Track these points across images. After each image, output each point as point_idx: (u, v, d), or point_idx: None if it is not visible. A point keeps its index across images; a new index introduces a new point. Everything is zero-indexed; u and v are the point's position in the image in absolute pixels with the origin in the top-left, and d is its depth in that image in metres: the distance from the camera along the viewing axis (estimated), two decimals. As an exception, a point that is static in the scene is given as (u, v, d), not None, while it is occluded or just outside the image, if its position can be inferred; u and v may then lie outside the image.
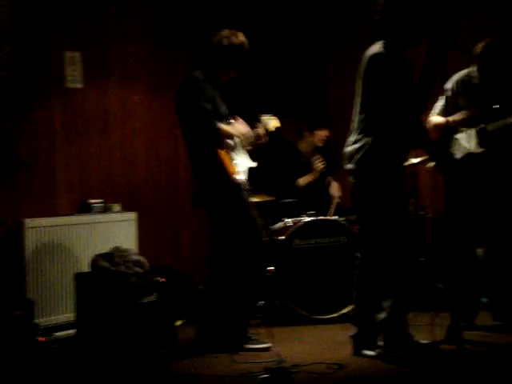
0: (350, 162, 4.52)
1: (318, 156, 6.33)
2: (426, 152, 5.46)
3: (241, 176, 4.78)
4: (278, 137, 5.42)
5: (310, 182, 6.30)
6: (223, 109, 4.86)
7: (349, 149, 4.53)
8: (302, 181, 6.30)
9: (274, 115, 5.19)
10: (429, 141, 4.87)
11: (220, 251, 4.85)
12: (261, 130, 5.01)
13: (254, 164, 4.96)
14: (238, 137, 4.86)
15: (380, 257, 4.54)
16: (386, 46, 4.39)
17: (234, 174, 4.71)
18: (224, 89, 4.95)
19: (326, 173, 6.37)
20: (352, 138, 4.53)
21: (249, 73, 5.38)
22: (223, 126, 4.73)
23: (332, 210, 6.23)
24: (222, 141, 4.73)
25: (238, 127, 4.87)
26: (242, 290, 4.81)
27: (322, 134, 6.38)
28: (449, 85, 5.01)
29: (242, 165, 4.85)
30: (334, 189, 6.38)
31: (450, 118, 4.83)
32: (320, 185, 6.37)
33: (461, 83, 5.12)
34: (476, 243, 5.21)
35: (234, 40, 4.83)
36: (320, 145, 6.41)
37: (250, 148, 4.99)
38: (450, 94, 5.02)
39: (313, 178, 6.31)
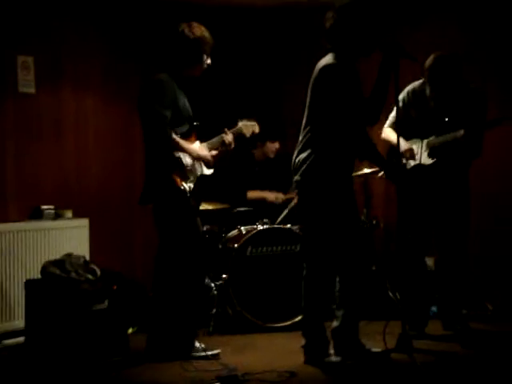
0: (295, 174, 4.55)
1: (279, 195, 6.33)
2: (376, 165, 5.51)
3: (189, 184, 4.76)
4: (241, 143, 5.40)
5: (258, 199, 6.30)
6: (188, 110, 4.82)
7: (295, 160, 4.57)
8: (251, 194, 6.30)
9: (251, 119, 5.15)
10: (377, 154, 4.91)
11: (163, 257, 4.83)
12: (228, 137, 4.95)
13: (209, 171, 4.94)
14: (192, 155, 4.79)
15: (326, 267, 4.56)
16: (336, 57, 4.43)
17: (179, 182, 4.69)
18: (192, 89, 4.90)
19: (273, 183, 6.39)
20: (297, 150, 4.56)
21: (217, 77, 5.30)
22: (180, 142, 4.68)
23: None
24: (174, 149, 4.70)
25: (195, 148, 4.80)
26: (185, 297, 4.78)
27: (272, 146, 6.42)
28: (400, 96, 5.06)
29: (193, 173, 4.82)
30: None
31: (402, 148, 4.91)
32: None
33: (412, 94, 5.18)
34: (426, 252, 5.27)
35: (195, 31, 4.75)
36: (271, 156, 6.44)
37: (213, 153, 4.93)
38: (401, 104, 5.07)
39: (262, 197, 6.32)
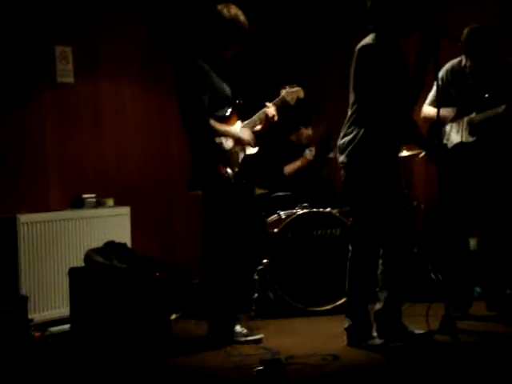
0: (341, 155, 4.53)
1: (311, 147, 6.34)
2: (418, 145, 5.45)
3: (235, 168, 4.76)
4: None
5: (298, 169, 6.29)
6: (227, 91, 4.80)
7: (340, 142, 4.55)
8: (289, 168, 6.30)
9: (297, 85, 5.10)
10: (419, 134, 4.86)
11: (211, 244, 4.85)
12: (270, 110, 4.92)
13: (253, 150, 4.91)
14: (232, 138, 4.79)
15: (372, 249, 4.55)
16: (376, 38, 4.41)
17: (223, 169, 4.69)
18: (230, 68, 4.90)
19: (315, 162, 6.36)
20: (343, 131, 4.54)
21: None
22: (216, 125, 4.68)
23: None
24: (214, 134, 4.70)
25: (234, 131, 4.79)
26: (232, 283, 4.80)
27: (305, 132, 6.39)
28: (440, 74, 5.01)
29: (237, 155, 4.81)
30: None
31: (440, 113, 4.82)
32: (312, 176, 6.37)
33: (451, 72, 5.13)
34: (469, 233, 5.22)
35: (231, 11, 4.75)
36: (304, 142, 6.40)
37: (257, 129, 4.92)
38: (440, 83, 5.02)
39: (299, 166, 6.30)
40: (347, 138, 4.49)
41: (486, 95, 4.99)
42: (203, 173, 4.73)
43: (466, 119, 5.06)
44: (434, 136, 5.03)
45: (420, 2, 4.54)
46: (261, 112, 4.92)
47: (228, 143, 4.74)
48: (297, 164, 6.33)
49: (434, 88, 4.97)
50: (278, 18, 7.13)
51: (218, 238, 4.80)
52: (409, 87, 4.40)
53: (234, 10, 4.78)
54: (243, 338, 4.75)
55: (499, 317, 5.08)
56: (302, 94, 5.12)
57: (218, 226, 4.79)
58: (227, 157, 4.73)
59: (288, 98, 5.05)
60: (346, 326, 4.61)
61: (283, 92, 5.05)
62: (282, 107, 5.03)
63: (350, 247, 4.62)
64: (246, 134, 4.84)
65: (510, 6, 6.10)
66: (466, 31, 5.02)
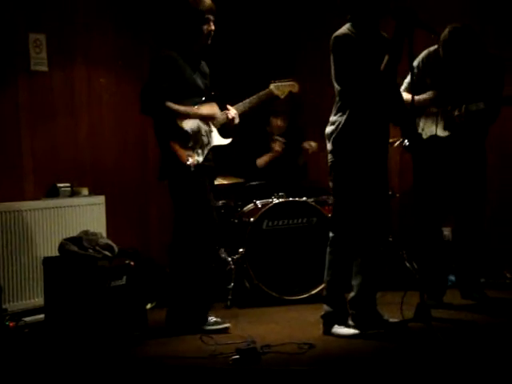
0: (328, 142, 4.58)
1: (278, 137, 6.31)
2: (402, 129, 5.41)
3: (197, 157, 4.74)
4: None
5: (269, 161, 6.27)
6: (199, 83, 4.81)
7: (327, 130, 4.60)
8: (260, 161, 6.29)
9: (290, 79, 5.11)
10: (406, 117, 4.86)
11: (177, 232, 4.84)
12: (230, 113, 4.92)
13: (225, 141, 4.92)
14: (199, 118, 4.78)
15: (352, 236, 4.57)
16: (352, 27, 4.45)
17: (184, 158, 4.67)
18: (206, 59, 4.92)
19: (289, 151, 6.35)
20: (330, 120, 4.59)
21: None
22: (174, 106, 4.67)
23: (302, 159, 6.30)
24: (176, 122, 4.69)
25: (195, 109, 4.78)
26: (198, 271, 4.80)
27: (275, 121, 6.36)
28: (415, 62, 5.04)
29: (203, 144, 4.79)
30: (308, 143, 6.36)
31: (416, 97, 4.82)
32: (287, 165, 6.36)
33: (426, 60, 5.13)
34: (442, 222, 5.26)
35: (198, 2, 4.73)
36: (275, 133, 6.38)
37: (219, 127, 4.92)
38: (416, 71, 5.05)
39: (270, 158, 6.29)
40: (332, 127, 4.54)
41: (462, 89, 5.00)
42: (166, 160, 4.74)
43: (440, 111, 5.07)
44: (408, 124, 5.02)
45: None
46: (222, 112, 4.90)
47: (189, 124, 4.73)
48: (268, 156, 6.31)
49: (409, 75, 4.99)
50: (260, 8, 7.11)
51: (181, 225, 4.82)
52: (381, 73, 4.41)
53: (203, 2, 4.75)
54: (210, 327, 4.75)
55: (474, 305, 5.13)
56: (295, 89, 5.13)
57: (183, 214, 4.80)
58: (190, 140, 4.72)
59: (277, 92, 5.05)
60: (322, 313, 4.62)
61: (271, 86, 5.05)
62: (269, 100, 5.04)
63: (331, 233, 4.63)
64: (205, 110, 4.82)
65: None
66: (445, 31, 5.01)
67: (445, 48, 5.00)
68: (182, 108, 4.72)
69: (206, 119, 4.83)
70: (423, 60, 5.14)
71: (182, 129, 4.70)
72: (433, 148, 5.10)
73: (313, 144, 6.29)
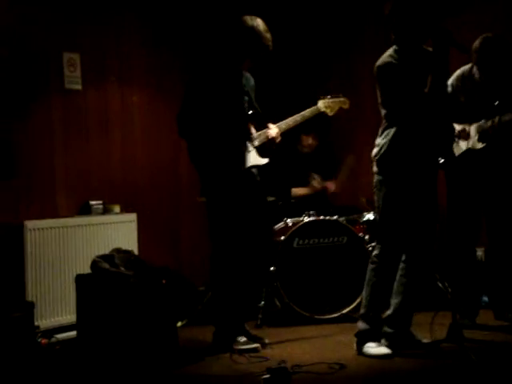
0: (374, 164, 4.61)
1: (315, 175, 6.28)
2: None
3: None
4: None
5: (304, 195, 6.25)
6: (238, 101, 4.79)
7: (373, 152, 4.63)
8: (297, 191, 6.23)
9: (340, 94, 5.08)
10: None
11: (216, 251, 4.85)
12: (271, 132, 4.88)
13: (262, 161, 4.91)
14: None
15: (396, 254, 4.56)
16: (395, 52, 4.49)
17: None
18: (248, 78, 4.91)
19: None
20: (375, 142, 4.61)
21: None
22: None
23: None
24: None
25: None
26: (238, 289, 4.81)
27: (306, 139, 6.33)
28: (450, 81, 5.04)
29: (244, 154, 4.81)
30: (329, 183, 6.31)
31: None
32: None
33: (461, 79, 5.11)
34: (476, 242, 5.20)
35: (254, 22, 4.73)
36: (305, 151, 6.36)
37: (257, 145, 4.90)
38: (450, 89, 5.05)
39: (307, 192, 6.26)
40: (377, 149, 4.58)
41: (496, 102, 4.97)
42: (206, 178, 4.75)
43: (474, 126, 5.04)
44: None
45: (434, 9, 4.55)
46: (262, 132, 4.89)
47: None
48: (305, 190, 6.24)
49: None
50: (296, 25, 7.13)
51: (221, 245, 4.81)
52: (426, 96, 4.41)
53: (259, 22, 4.75)
54: (239, 347, 4.74)
55: (507, 326, 5.06)
56: (346, 105, 5.12)
57: (221, 233, 4.81)
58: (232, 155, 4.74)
59: (326, 109, 5.04)
60: (356, 331, 4.59)
61: (320, 102, 5.05)
62: (316, 117, 5.02)
63: (375, 251, 4.62)
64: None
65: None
66: (478, 40, 5.02)
67: (478, 57, 4.98)
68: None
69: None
70: (457, 78, 5.13)
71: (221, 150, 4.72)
72: (466, 163, 5.05)
73: (332, 186, 6.27)
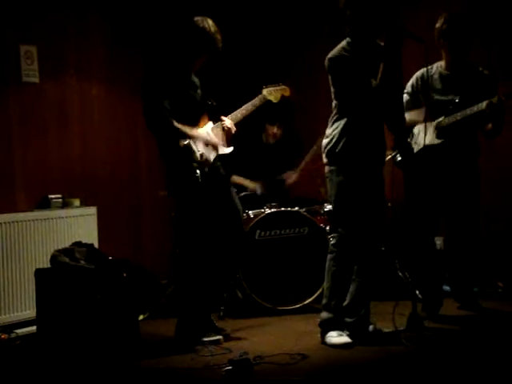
0: (323, 154, 4.65)
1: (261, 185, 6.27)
2: (395, 142, 5.41)
3: (203, 168, 4.74)
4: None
5: (240, 184, 6.22)
6: (194, 96, 4.82)
7: (323, 142, 4.67)
8: (234, 179, 6.13)
9: (281, 83, 5.15)
10: (401, 131, 4.88)
11: (180, 246, 4.84)
12: (226, 124, 4.92)
13: (227, 150, 4.93)
14: (196, 139, 4.78)
15: (354, 243, 4.59)
16: (347, 44, 4.52)
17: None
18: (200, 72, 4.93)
19: (284, 162, 6.34)
20: (326, 132, 4.66)
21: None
22: (178, 125, 4.66)
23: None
24: (181, 136, 4.69)
25: (197, 132, 4.78)
26: (205, 283, 4.80)
27: (270, 129, 6.34)
28: (410, 81, 5.12)
29: (208, 155, 4.80)
30: (287, 175, 6.33)
31: (407, 117, 4.87)
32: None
33: (421, 79, 5.12)
34: (435, 232, 5.24)
35: (206, 23, 4.77)
36: (271, 141, 6.37)
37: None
38: (410, 90, 5.12)
39: (242, 184, 6.24)
40: (327, 139, 4.62)
41: (456, 100, 5.00)
42: (173, 175, 4.73)
43: (433, 123, 5.07)
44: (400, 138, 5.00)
45: (387, 3, 4.57)
46: (218, 124, 4.92)
47: (196, 144, 4.74)
48: (242, 182, 6.22)
49: (405, 97, 5.05)
50: (253, 19, 7.13)
51: (186, 240, 4.80)
52: (376, 88, 4.44)
53: (209, 23, 4.80)
54: (204, 339, 4.74)
55: (469, 315, 5.11)
56: (287, 92, 5.20)
57: (188, 228, 4.79)
58: (197, 157, 4.72)
59: (270, 97, 5.10)
60: (319, 321, 4.62)
61: (264, 91, 5.10)
62: (262, 105, 5.06)
63: (333, 240, 4.65)
64: (213, 136, 4.84)
65: (474, 5, 6.14)
66: (441, 20, 5.02)
67: (444, 33, 4.99)
68: (189, 131, 4.71)
69: (211, 144, 4.84)
70: (417, 78, 5.14)
71: (190, 147, 4.70)
72: (424, 158, 5.08)
73: (293, 176, 6.28)
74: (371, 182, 4.60)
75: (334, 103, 4.62)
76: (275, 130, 6.35)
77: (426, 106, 5.03)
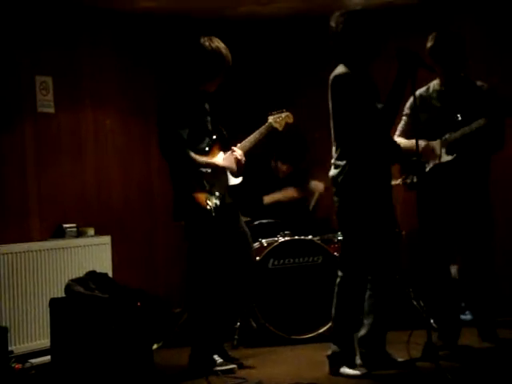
0: (333, 186, 4.59)
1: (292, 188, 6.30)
2: (400, 165, 5.40)
3: (215, 201, 4.74)
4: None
5: (277, 201, 6.26)
6: (208, 124, 4.83)
7: (330, 173, 4.61)
8: (268, 198, 6.24)
9: (284, 110, 5.13)
10: (401, 154, 4.86)
11: (193, 275, 4.84)
12: (236, 155, 4.90)
13: (237, 181, 4.93)
14: (213, 167, 4.80)
15: (362, 276, 4.56)
16: (347, 66, 4.47)
17: (204, 202, 4.68)
18: (212, 100, 4.93)
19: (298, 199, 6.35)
20: (333, 163, 4.61)
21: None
22: (195, 157, 4.69)
23: (312, 203, 6.23)
24: (196, 168, 4.72)
25: (215, 161, 4.81)
26: (218, 312, 4.80)
27: (282, 167, 6.32)
28: (408, 103, 5.04)
29: (219, 186, 4.81)
30: (315, 184, 6.34)
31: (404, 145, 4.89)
32: (296, 205, 6.35)
33: (419, 99, 5.07)
34: (450, 260, 5.19)
35: (213, 44, 4.77)
36: (280, 176, 6.33)
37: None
38: (408, 111, 5.08)
39: (280, 199, 6.28)
40: (336, 170, 4.55)
41: (458, 116, 4.98)
42: (185, 204, 4.74)
43: (438, 141, 5.03)
44: (410, 156, 4.96)
45: (383, 30, 4.58)
46: (228, 153, 4.92)
47: (210, 181, 4.76)
48: (277, 196, 6.28)
49: (404, 119, 5.06)
50: (261, 48, 7.18)
51: (199, 269, 4.80)
52: (382, 113, 4.44)
53: (217, 43, 4.80)
54: (216, 368, 4.72)
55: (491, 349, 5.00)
56: (290, 119, 5.15)
57: (200, 257, 4.80)
58: (210, 186, 4.74)
59: (276, 125, 5.08)
60: (328, 353, 4.59)
61: (270, 118, 5.08)
62: (269, 133, 5.05)
63: (340, 273, 4.62)
64: (228, 162, 4.85)
65: (481, 29, 6.16)
66: (430, 38, 4.99)
67: (433, 52, 4.95)
68: (203, 160, 4.73)
69: (228, 170, 4.86)
70: (415, 98, 5.09)
71: (202, 176, 4.71)
72: (436, 179, 5.03)
73: (320, 185, 6.29)
74: (383, 211, 4.56)
75: (335, 131, 4.56)
76: (285, 168, 6.34)
77: (427, 125, 4.99)
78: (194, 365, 4.76)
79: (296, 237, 5.82)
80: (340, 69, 4.49)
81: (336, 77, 4.47)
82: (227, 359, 4.83)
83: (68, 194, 5.93)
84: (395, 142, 4.79)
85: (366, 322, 4.59)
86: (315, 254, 5.76)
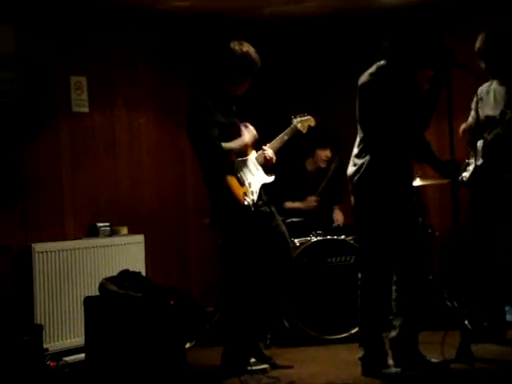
0: (350, 183, 4.57)
1: (315, 198, 6.27)
2: (429, 164, 5.36)
3: (252, 197, 4.76)
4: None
5: (296, 209, 6.24)
6: (236, 125, 4.87)
7: (349, 171, 4.59)
8: (289, 205, 6.18)
9: (308, 114, 5.20)
10: (431, 154, 4.83)
11: (230, 273, 4.85)
12: (267, 153, 4.96)
13: (270, 179, 4.96)
14: (243, 148, 4.84)
15: (382, 276, 4.54)
16: (377, 70, 4.47)
17: (242, 198, 4.70)
18: (240, 103, 4.97)
19: (322, 205, 6.31)
20: (352, 161, 4.59)
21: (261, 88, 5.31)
22: (227, 145, 4.71)
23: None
24: (230, 163, 4.73)
25: (242, 139, 4.85)
26: (253, 312, 4.80)
27: (322, 153, 6.28)
28: (475, 97, 5.05)
29: (254, 183, 4.84)
30: (337, 215, 6.33)
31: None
32: (325, 207, 6.32)
33: (476, 95, 5.04)
34: (499, 258, 5.13)
35: (243, 48, 4.80)
36: (322, 166, 6.32)
37: (262, 163, 4.97)
38: (474, 106, 5.07)
39: (300, 207, 6.25)
40: (355, 167, 4.53)
41: (497, 116, 4.92)
42: (223, 205, 4.75)
43: (480, 141, 4.99)
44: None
45: (435, 37, 4.57)
46: (261, 153, 4.96)
47: (245, 173, 4.79)
48: (297, 205, 6.24)
49: (471, 114, 5.09)
50: (290, 47, 7.18)
51: (235, 268, 4.82)
52: (417, 114, 4.41)
53: (246, 47, 4.82)
54: (249, 367, 4.72)
55: None
56: (313, 123, 5.21)
57: (236, 256, 4.81)
58: (242, 175, 4.77)
59: (300, 128, 5.13)
60: (360, 355, 4.58)
61: (294, 121, 5.14)
62: (294, 136, 5.11)
63: (360, 275, 4.60)
64: (247, 136, 4.89)
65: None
66: (479, 38, 4.99)
67: (485, 51, 4.97)
68: (234, 144, 4.76)
69: (251, 144, 4.90)
70: (476, 95, 5.06)
71: (235, 165, 4.76)
72: (479, 179, 5.00)
73: (340, 218, 6.27)
74: (402, 211, 4.51)
75: (360, 131, 4.55)
76: (328, 153, 6.29)
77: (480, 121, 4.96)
78: (227, 364, 4.77)
79: (328, 236, 5.80)
80: (366, 75, 4.48)
81: (361, 86, 4.48)
82: (261, 359, 4.83)
83: (102, 192, 5.98)
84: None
85: (396, 323, 4.57)
86: (348, 253, 5.74)
